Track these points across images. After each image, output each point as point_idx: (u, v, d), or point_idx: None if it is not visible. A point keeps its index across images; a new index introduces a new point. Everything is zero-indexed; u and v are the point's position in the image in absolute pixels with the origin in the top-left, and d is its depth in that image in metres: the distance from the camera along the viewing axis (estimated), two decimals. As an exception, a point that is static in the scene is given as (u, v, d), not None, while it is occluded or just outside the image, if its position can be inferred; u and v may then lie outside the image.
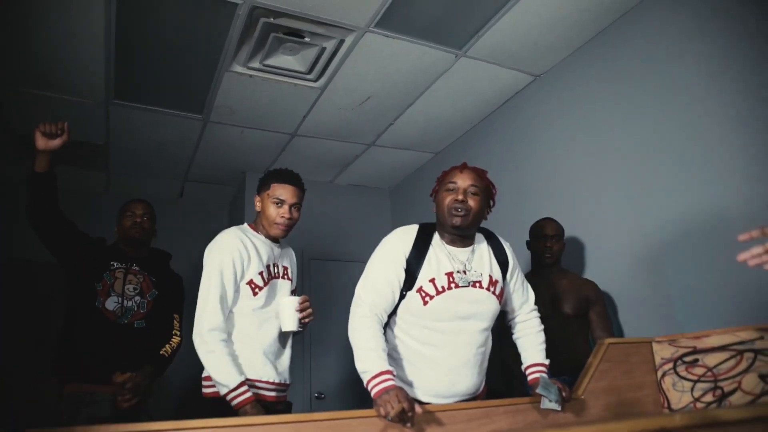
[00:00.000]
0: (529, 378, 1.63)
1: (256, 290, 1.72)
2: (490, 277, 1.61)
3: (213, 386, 1.65)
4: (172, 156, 3.60)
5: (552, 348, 1.70)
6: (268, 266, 1.78)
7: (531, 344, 1.68)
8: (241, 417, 1.28)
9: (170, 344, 2.17)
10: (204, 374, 1.70)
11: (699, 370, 1.62)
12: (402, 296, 1.57)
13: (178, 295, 2.31)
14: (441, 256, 1.59)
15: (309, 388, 3.69)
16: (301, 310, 1.75)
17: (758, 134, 1.81)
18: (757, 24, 1.84)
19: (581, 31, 2.49)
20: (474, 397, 1.60)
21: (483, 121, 3.33)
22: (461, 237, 1.62)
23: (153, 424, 1.12)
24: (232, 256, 1.69)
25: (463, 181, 1.58)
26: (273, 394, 1.72)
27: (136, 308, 2.12)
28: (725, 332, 1.57)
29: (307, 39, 2.44)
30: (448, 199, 1.57)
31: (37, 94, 2.75)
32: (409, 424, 1.32)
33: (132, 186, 4.00)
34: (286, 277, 1.86)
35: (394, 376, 1.40)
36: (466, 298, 1.56)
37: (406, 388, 1.51)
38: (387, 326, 1.61)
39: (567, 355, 2.04)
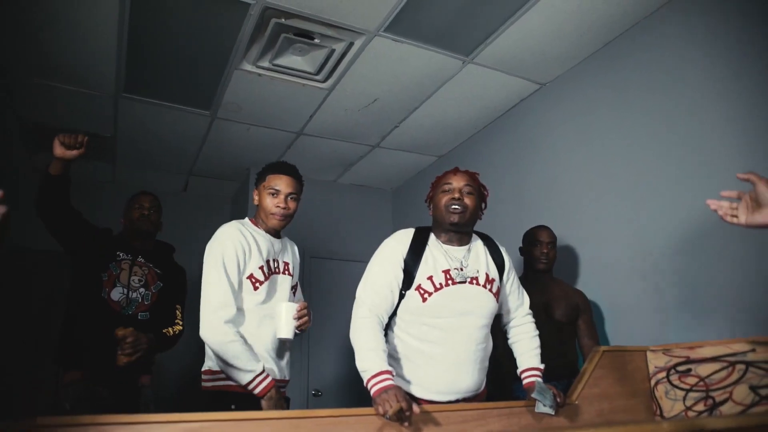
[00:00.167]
0: (525, 382, 1.66)
1: (257, 285, 1.72)
2: (487, 275, 1.66)
3: (213, 380, 1.67)
4: (179, 150, 3.64)
5: (543, 353, 1.74)
6: (267, 261, 1.77)
7: (526, 349, 1.72)
8: (247, 412, 1.30)
9: (173, 328, 2.21)
10: (204, 368, 1.71)
11: (691, 380, 1.65)
12: (401, 296, 1.61)
13: (181, 286, 2.34)
14: (437, 254, 1.64)
15: (306, 386, 3.72)
16: (299, 318, 1.72)
17: (757, 148, 1.84)
18: (763, 38, 1.86)
19: (588, 42, 2.52)
20: (474, 396, 1.63)
21: (487, 126, 3.36)
22: (458, 236, 1.68)
23: (158, 416, 1.15)
24: (234, 247, 1.68)
25: (458, 182, 1.65)
26: None
27: (140, 300, 2.15)
28: (718, 344, 1.60)
29: (316, 40, 2.48)
30: (444, 199, 1.64)
31: (49, 84, 2.79)
32: (406, 423, 1.35)
33: (137, 178, 4.03)
34: (286, 272, 1.85)
35: (393, 375, 1.43)
36: (463, 295, 1.61)
37: (407, 386, 1.55)
38: (387, 327, 1.65)
39: (558, 360, 2.08)
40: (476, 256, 1.69)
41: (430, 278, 1.59)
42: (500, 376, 2.24)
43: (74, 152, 1.94)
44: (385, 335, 1.58)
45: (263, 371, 1.60)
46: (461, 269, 1.63)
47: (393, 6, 2.23)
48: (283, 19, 2.31)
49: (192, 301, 2.25)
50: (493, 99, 3.04)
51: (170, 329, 2.20)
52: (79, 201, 2.21)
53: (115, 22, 2.31)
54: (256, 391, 1.57)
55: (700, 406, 1.61)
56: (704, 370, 1.62)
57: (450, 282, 1.60)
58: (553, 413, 1.52)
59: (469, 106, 3.11)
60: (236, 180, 4.21)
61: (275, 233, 1.85)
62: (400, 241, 1.67)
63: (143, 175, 4.00)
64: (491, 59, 2.64)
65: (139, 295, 2.16)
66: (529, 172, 2.98)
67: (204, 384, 1.71)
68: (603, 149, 2.51)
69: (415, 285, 1.60)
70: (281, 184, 1.78)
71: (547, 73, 2.79)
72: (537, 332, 1.75)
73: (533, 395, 1.55)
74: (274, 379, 1.62)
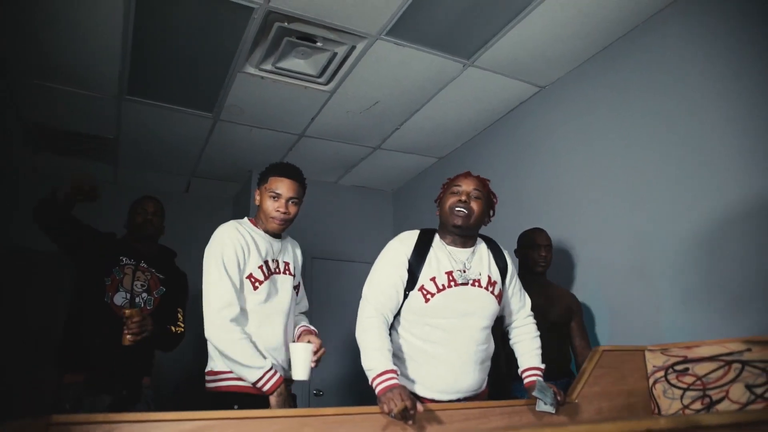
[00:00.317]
0: (526, 381, 1.70)
1: (256, 284, 1.71)
2: (489, 277, 1.69)
3: (216, 380, 1.67)
4: (181, 152, 3.66)
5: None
6: (266, 261, 1.76)
7: (527, 349, 1.76)
8: (253, 410, 1.33)
9: (175, 327, 2.22)
10: (207, 369, 1.71)
11: (689, 379, 1.68)
12: (405, 296, 1.65)
13: (182, 290, 2.36)
14: (441, 256, 1.67)
15: (308, 386, 3.75)
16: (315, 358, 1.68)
17: (755, 150, 1.87)
18: (763, 38, 1.88)
19: (587, 45, 2.55)
20: (475, 396, 1.66)
21: (487, 128, 3.39)
22: (462, 238, 1.71)
23: (170, 414, 1.18)
24: (234, 247, 1.68)
25: (467, 185, 1.68)
26: None
27: (143, 304, 2.17)
28: (715, 343, 1.64)
29: (319, 44, 2.51)
30: (451, 200, 1.67)
31: (52, 86, 2.81)
32: (410, 422, 1.38)
33: (139, 179, 4.06)
34: (287, 272, 1.84)
35: (397, 375, 1.46)
36: (465, 296, 1.64)
37: (410, 385, 1.58)
38: (391, 327, 1.68)
39: (552, 361, 2.12)
40: (479, 259, 1.72)
41: (433, 279, 1.62)
42: (499, 377, 2.28)
43: (85, 197, 2.05)
44: (389, 335, 1.61)
45: (272, 368, 1.59)
46: (464, 271, 1.66)
47: (395, 10, 2.26)
48: (286, 23, 2.34)
49: (193, 303, 2.28)
50: (493, 101, 3.08)
51: (173, 327, 2.22)
52: (80, 202, 2.23)
53: (120, 25, 2.33)
54: (266, 388, 1.56)
55: (698, 405, 1.65)
56: (701, 369, 1.65)
57: (452, 283, 1.63)
58: (553, 411, 1.55)
59: (469, 108, 3.14)
60: (238, 181, 4.24)
61: (275, 234, 1.84)
62: (405, 242, 1.69)
63: (145, 176, 4.03)
64: (491, 62, 2.67)
65: (141, 300, 2.17)
66: (529, 173, 3.01)
67: (207, 385, 1.71)
68: (602, 151, 2.54)
69: (418, 286, 1.63)
70: (283, 187, 1.75)
71: (546, 76, 2.82)
72: (538, 333, 1.79)
73: (534, 393, 1.59)
74: (282, 376, 1.62)
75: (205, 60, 2.62)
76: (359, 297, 1.68)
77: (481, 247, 1.76)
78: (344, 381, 3.81)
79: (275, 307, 1.74)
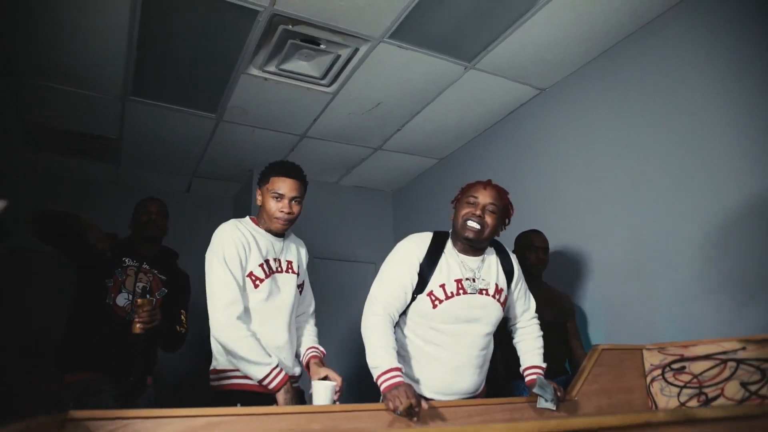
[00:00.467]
0: (527, 379, 1.74)
1: (257, 282, 1.70)
2: (497, 285, 1.72)
3: (219, 379, 1.69)
4: (183, 152, 3.69)
5: None
6: (267, 260, 1.75)
7: (530, 348, 1.80)
8: (259, 408, 1.35)
9: (179, 327, 2.25)
10: (211, 367, 1.72)
11: (685, 377, 1.73)
12: (413, 298, 1.67)
13: (184, 291, 2.38)
14: (452, 263, 1.69)
15: (308, 385, 3.78)
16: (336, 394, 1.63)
17: (751, 152, 1.91)
18: (763, 38, 1.91)
19: (587, 49, 2.59)
20: (473, 396, 1.70)
21: (487, 130, 3.43)
22: (473, 248, 1.72)
23: (182, 410, 1.21)
24: (235, 245, 1.68)
25: (484, 197, 1.67)
26: None
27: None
28: (711, 342, 1.68)
29: (322, 46, 2.54)
30: (465, 211, 1.67)
31: (57, 87, 2.83)
32: (415, 419, 1.42)
33: (140, 179, 4.09)
34: (290, 271, 1.82)
35: (402, 373, 1.50)
36: (472, 304, 1.67)
37: (412, 384, 1.61)
38: (397, 326, 1.71)
39: (549, 361, 2.16)
40: (489, 267, 1.74)
41: (442, 286, 1.65)
42: (497, 377, 2.33)
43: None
44: (394, 333, 1.64)
45: (278, 365, 1.59)
46: (474, 280, 1.68)
47: (398, 14, 2.29)
48: (291, 26, 2.37)
49: (195, 302, 2.31)
50: (494, 103, 3.11)
51: (177, 326, 2.24)
52: (81, 201, 2.24)
53: (125, 26, 2.36)
54: (272, 385, 1.56)
55: (694, 402, 1.69)
56: (697, 367, 1.70)
57: (461, 292, 1.66)
58: (554, 408, 1.59)
59: (470, 110, 3.18)
60: (239, 181, 4.27)
61: (278, 233, 1.83)
62: (418, 245, 1.70)
63: (146, 176, 4.05)
64: (492, 65, 2.71)
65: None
66: (528, 175, 3.04)
67: (211, 384, 1.72)
68: (600, 152, 2.58)
69: (427, 291, 1.65)
70: (285, 187, 1.73)
71: (546, 78, 2.86)
72: (541, 333, 1.83)
73: (535, 390, 1.62)
74: (287, 374, 1.63)
75: (210, 61, 2.65)
76: (359, 296, 1.70)
77: (491, 255, 1.78)
78: (344, 380, 3.84)
79: (277, 306, 1.74)
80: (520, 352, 1.81)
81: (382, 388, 1.47)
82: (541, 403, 1.60)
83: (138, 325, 1.94)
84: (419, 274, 1.66)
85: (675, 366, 1.76)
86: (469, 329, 1.67)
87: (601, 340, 2.44)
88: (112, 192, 4.07)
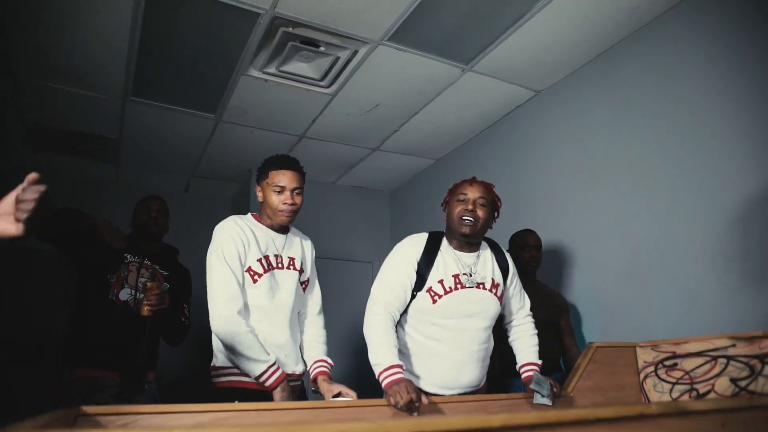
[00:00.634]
0: (523, 376, 1.79)
1: (255, 277, 1.70)
2: (493, 280, 1.78)
3: (218, 376, 1.70)
4: (182, 152, 3.71)
5: None
6: (267, 256, 1.75)
7: (525, 346, 1.85)
8: (265, 403, 1.39)
9: (184, 319, 2.28)
10: (214, 363, 1.73)
11: (677, 374, 1.77)
12: (413, 296, 1.72)
13: (186, 286, 2.41)
14: (449, 260, 1.75)
15: (306, 383, 3.81)
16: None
17: (741, 153, 1.95)
18: (763, 38, 1.94)
19: (583, 52, 2.64)
20: (475, 391, 1.75)
21: (484, 131, 3.47)
22: (468, 243, 1.78)
23: (190, 405, 1.24)
24: (233, 240, 1.69)
25: (472, 193, 1.74)
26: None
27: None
28: (702, 339, 1.72)
29: (322, 48, 2.57)
30: (458, 209, 1.74)
31: (58, 87, 2.85)
32: (415, 414, 1.46)
33: (139, 179, 4.10)
34: (291, 267, 1.81)
35: (403, 369, 1.54)
36: (470, 298, 1.72)
37: (414, 380, 1.66)
38: (398, 325, 1.75)
39: (544, 357, 2.21)
40: (484, 262, 1.80)
41: (440, 282, 1.70)
42: (494, 374, 2.38)
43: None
44: (396, 332, 1.68)
45: (275, 363, 1.60)
46: (470, 275, 1.74)
47: (397, 17, 2.33)
48: (291, 28, 2.40)
49: (195, 299, 2.33)
50: (490, 105, 3.16)
51: (181, 317, 2.27)
52: (81, 201, 2.27)
53: (127, 28, 2.38)
54: (268, 383, 1.56)
55: (686, 398, 1.73)
56: (689, 364, 1.74)
57: (459, 286, 1.71)
58: (550, 404, 1.64)
59: (467, 111, 3.22)
60: (237, 181, 4.29)
61: (280, 228, 1.82)
62: (415, 245, 1.77)
63: (145, 176, 4.07)
64: (489, 67, 2.75)
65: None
66: (523, 174, 3.09)
67: (211, 380, 1.73)
68: (595, 153, 2.63)
69: (426, 287, 1.70)
70: (285, 180, 1.73)
71: (542, 81, 2.90)
72: (536, 331, 1.88)
73: (531, 387, 1.67)
74: (284, 372, 1.62)
75: (210, 63, 2.67)
76: (357, 295, 1.74)
77: (486, 251, 1.84)
78: (341, 379, 3.86)
79: (277, 303, 1.74)
80: (516, 350, 1.86)
81: (383, 384, 1.51)
82: (538, 399, 1.65)
83: (146, 308, 1.99)
84: (417, 273, 1.71)
85: (667, 363, 1.81)
86: (468, 324, 1.72)
87: (596, 338, 2.49)
88: (111, 192, 4.09)
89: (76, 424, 1.11)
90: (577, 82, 2.79)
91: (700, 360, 1.71)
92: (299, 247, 1.89)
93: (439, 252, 1.76)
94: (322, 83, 2.87)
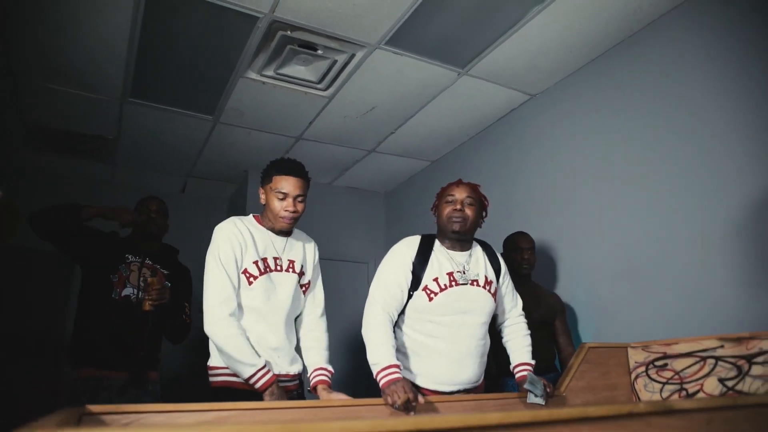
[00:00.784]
0: (517, 376, 1.82)
1: (251, 279, 1.70)
2: (486, 277, 1.83)
3: (221, 375, 1.70)
4: (179, 153, 3.72)
5: None
6: (264, 258, 1.75)
7: (518, 346, 1.89)
8: (264, 402, 1.42)
9: (186, 317, 2.31)
10: (210, 363, 1.73)
11: (668, 374, 1.82)
12: (409, 296, 1.76)
13: (187, 285, 2.44)
14: (442, 259, 1.80)
15: (306, 384, 3.83)
16: None
17: (741, 158, 1.98)
18: (763, 39, 1.96)
19: (577, 57, 2.68)
20: (474, 388, 1.79)
21: (479, 134, 3.51)
22: (460, 242, 1.83)
23: (194, 405, 1.27)
24: (230, 242, 1.69)
25: (460, 193, 1.81)
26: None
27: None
28: (691, 340, 1.77)
29: (320, 52, 2.60)
30: (447, 210, 1.80)
31: (57, 88, 2.86)
32: (412, 413, 1.49)
33: (136, 179, 4.11)
34: (290, 270, 1.81)
35: (400, 369, 1.58)
36: (465, 295, 1.77)
37: (413, 378, 1.70)
38: (396, 325, 1.79)
39: (538, 358, 2.25)
40: (476, 261, 1.85)
41: (435, 280, 1.75)
42: (489, 375, 2.41)
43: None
44: (394, 332, 1.72)
45: (264, 366, 1.60)
46: (464, 272, 1.79)
47: (394, 21, 2.36)
48: (290, 32, 2.43)
49: (194, 298, 2.35)
50: (486, 109, 3.20)
51: (182, 315, 2.30)
52: (79, 201, 2.28)
53: (127, 30, 2.40)
54: (257, 385, 1.57)
55: (675, 398, 1.78)
56: (679, 364, 1.79)
57: (453, 283, 1.76)
58: (543, 403, 1.67)
59: (462, 114, 3.26)
60: (234, 182, 4.31)
61: (281, 231, 1.82)
62: (409, 246, 1.82)
63: (142, 176, 4.08)
64: (485, 71, 2.79)
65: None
66: (518, 177, 3.13)
67: (212, 380, 1.73)
68: (588, 157, 2.67)
69: (422, 286, 1.75)
70: (288, 186, 1.74)
71: (537, 84, 2.95)
72: (528, 331, 1.92)
73: (525, 386, 1.71)
74: (275, 374, 1.63)
75: (209, 65, 2.69)
76: (353, 295, 1.77)
77: (477, 250, 1.90)
78: (338, 379, 3.89)
79: (271, 305, 1.73)
80: (509, 351, 1.90)
81: (381, 383, 1.54)
82: (531, 399, 1.68)
83: (148, 302, 2.01)
84: (413, 273, 1.76)
85: (658, 363, 1.85)
86: (465, 320, 1.76)
87: (591, 338, 2.52)
88: (108, 192, 4.09)
89: (81, 423, 1.13)
90: (572, 85, 2.83)
91: (689, 360, 1.76)
92: (301, 250, 1.89)
93: (433, 252, 1.81)
94: (319, 86, 2.90)
